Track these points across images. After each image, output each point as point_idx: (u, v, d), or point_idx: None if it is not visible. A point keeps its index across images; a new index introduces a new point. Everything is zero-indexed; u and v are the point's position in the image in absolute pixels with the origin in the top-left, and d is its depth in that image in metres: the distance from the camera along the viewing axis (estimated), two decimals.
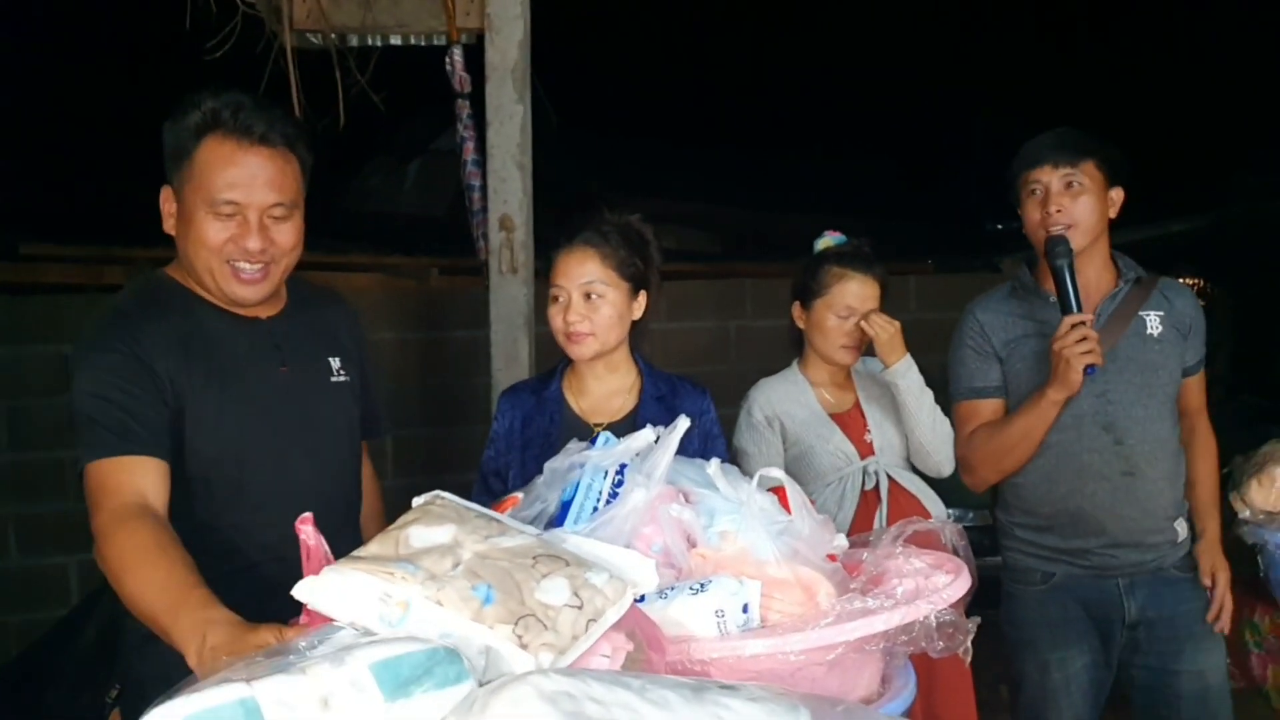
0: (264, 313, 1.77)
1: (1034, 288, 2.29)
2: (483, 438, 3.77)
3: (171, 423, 1.62)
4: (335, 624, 1.08)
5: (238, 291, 1.69)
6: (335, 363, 1.84)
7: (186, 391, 1.64)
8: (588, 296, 1.96)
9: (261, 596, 1.36)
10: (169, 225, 1.70)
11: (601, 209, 2.05)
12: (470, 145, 3.65)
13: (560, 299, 1.98)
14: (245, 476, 1.69)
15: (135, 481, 1.53)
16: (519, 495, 1.58)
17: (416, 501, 1.28)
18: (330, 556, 1.18)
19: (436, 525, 1.16)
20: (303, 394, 1.78)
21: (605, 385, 2.05)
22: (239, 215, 1.64)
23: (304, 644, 0.99)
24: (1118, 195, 2.22)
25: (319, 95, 3.31)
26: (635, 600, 1.21)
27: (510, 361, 3.31)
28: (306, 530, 1.20)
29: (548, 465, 1.59)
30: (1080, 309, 2.08)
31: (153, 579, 1.41)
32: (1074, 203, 2.16)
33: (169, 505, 1.57)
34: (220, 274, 1.68)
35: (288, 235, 1.69)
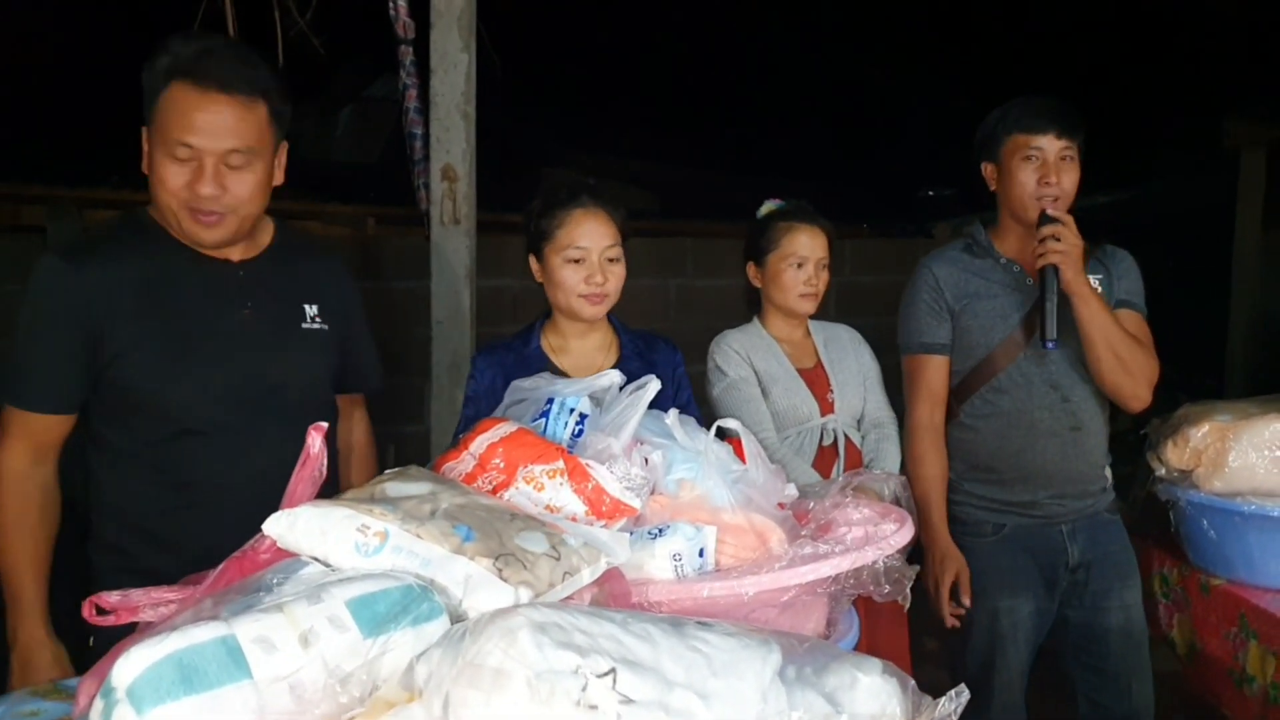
0: (237, 255, 1.78)
1: (988, 247, 2.35)
2: (421, 390, 3.72)
3: (97, 362, 1.68)
4: (298, 559, 1.08)
5: (199, 234, 1.70)
6: (311, 309, 1.85)
7: (121, 330, 1.68)
8: (609, 260, 2.02)
9: (206, 524, 1.61)
10: (145, 165, 1.70)
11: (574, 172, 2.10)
12: (413, 92, 3.58)
13: (583, 260, 2.00)
14: (180, 410, 1.71)
15: (35, 433, 1.70)
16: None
17: (389, 472, 1.28)
18: (324, 472, 1.17)
19: (413, 482, 1.16)
20: (265, 337, 1.78)
21: (588, 343, 2.10)
22: (195, 161, 1.64)
23: (275, 579, 0.99)
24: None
25: (257, 37, 3.20)
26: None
27: (452, 314, 3.27)
28: (314, 438, 1.18)
29: (515, 383, 1.67)
30: (1056, 334, 2.14)
31: (19, 556, 1.68)
32: (1066, 177, 2.20)
33: (103, 438, 1.74)
34: (181, 216, 1.68)
35: (244, 184, 1.67)
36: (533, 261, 2.08)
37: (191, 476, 1.72)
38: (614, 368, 2.01)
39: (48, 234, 3.69)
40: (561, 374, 2.00)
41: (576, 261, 2.00)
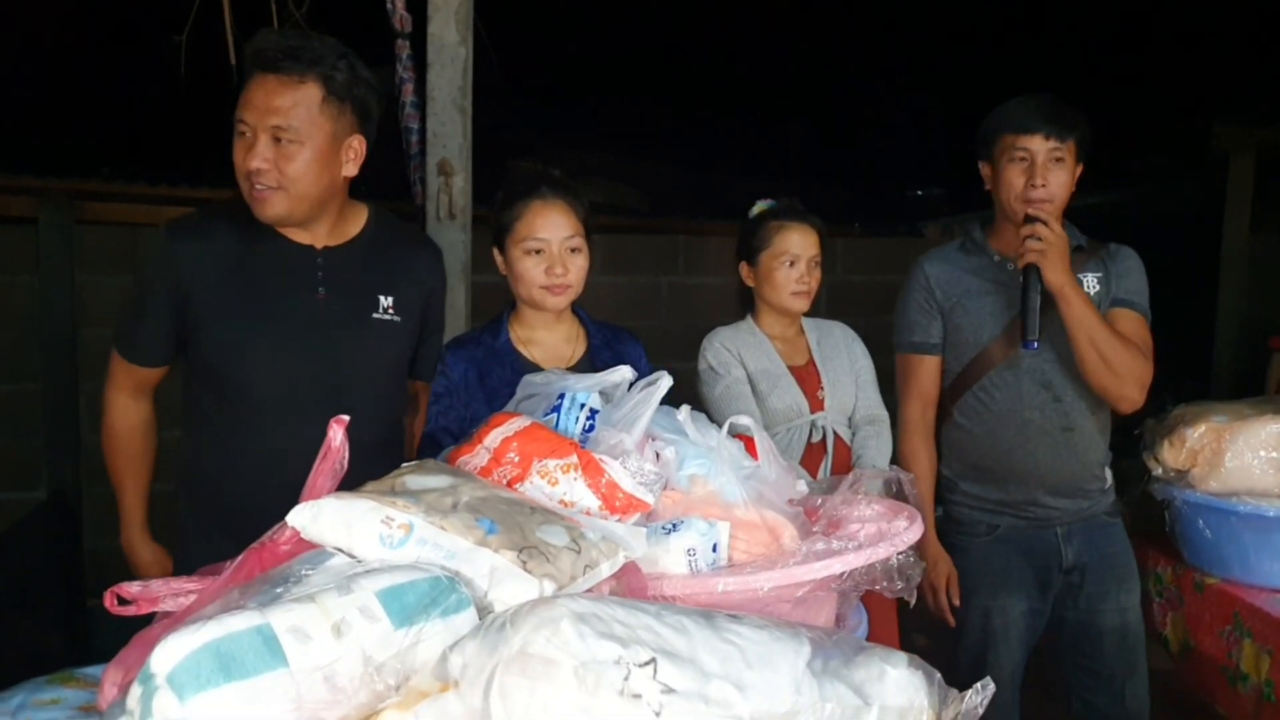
0: (321, 241, 1.87)
1: (983, 245, 2.35)
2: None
3: (184, 327, 1.84)
4: (324, 550, 1.07)
5: (257, 209, 1.77)
6: (385, 300, 1.90)
7: (203, 300, 1.81)
8: (570, 250, 2.00)
9: (254, 494, 1.69)
10: None
11: (545, 162, 2.10)
12: (409, 87, 3.56)
13: (542, 251, 1.99)
14: (245, 382, 1.83)
15: (135, 378, 1.92)
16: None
17: (406, 465, 1.28)
18: (345, 465, 1.17)
19: (433, 475, 1.16)
20: (334, 324, 1.85)
21: (555, 334, 2.09)
22: (248, 135, 1.73)
23: (303, 570, 0.99)
24: (1079, 171, 2.26)
25: (253, 28, 3.17)
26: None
27: (448, 310, 3.25)
28: (336, 431, 1.18)
29: (526, 379, 1.66)
30: (1038, 334, 2.14)
31: (124, 474, 1.98)
32: (1055, 178, 2.19)
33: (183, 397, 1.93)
34: (247, 192, 1.77)
35: (289, 159, 1.73)
36: (496, 254, 2.07)
37: (245, 447, 1.83)
38: (584, 358, 2.05)
39: (39, 225, 3.67)
40: (532, 365, 2.01)
41: (536, 253, 1.99)
